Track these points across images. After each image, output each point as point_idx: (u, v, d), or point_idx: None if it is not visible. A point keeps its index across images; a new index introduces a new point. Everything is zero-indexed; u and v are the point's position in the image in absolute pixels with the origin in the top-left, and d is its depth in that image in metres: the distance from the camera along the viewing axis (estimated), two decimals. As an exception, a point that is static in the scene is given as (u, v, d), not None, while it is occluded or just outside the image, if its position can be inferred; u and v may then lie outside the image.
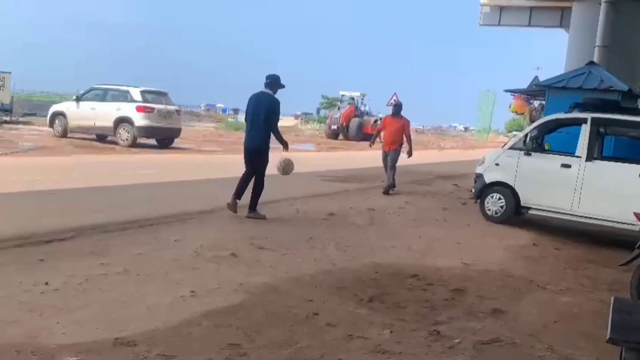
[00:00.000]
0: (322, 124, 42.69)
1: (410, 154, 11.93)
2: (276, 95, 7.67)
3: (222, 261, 5.54)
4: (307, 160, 18.59)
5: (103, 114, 17.57)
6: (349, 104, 34.77)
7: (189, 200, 8.76)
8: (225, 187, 8.27)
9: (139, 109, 17.26)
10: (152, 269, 5.09)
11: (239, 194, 7.69)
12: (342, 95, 37.07)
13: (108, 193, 9.11)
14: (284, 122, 51.43)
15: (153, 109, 17.50)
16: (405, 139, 11.71)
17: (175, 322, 3.93)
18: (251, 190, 7.75)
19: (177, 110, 18.96)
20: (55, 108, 19.34)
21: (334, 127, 33.35)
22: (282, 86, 7.64)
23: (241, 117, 48.71)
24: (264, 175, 7.76)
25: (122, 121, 17.39)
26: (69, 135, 18.47)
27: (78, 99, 18.37)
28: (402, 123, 11.62)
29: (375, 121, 34.92)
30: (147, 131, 17.60)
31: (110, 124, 17.45)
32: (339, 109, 34.92)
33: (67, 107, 18.78)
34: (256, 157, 7.64)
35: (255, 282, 4.96)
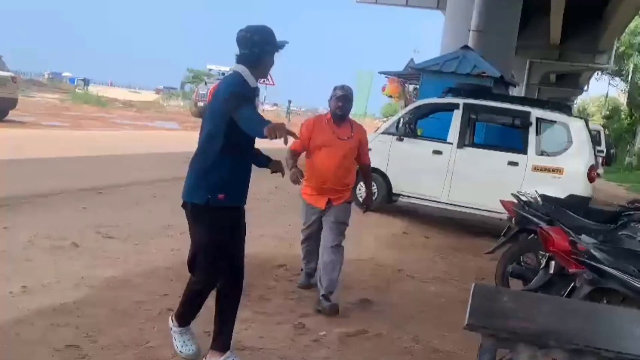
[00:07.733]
0: (187, 100, 41.60)
1: (368, 206, 5.34)
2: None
3: (61, 252, 5.23)
4: (167, 140, 18.05)
5: None
6: (218, 79, 34.13)
7: (22, 181, 8.12)
8: (65, 168, 7.78)
9: (-37, 73, 15.75)
10: (-27, 262, 4.67)
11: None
12: (210, 70, 36.44)
13: None
14: (143, 96, 49.25)
15: (-18, 74, 16.05)
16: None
17: (1, 322, 3.67)
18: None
19: (12, 78, 17.57)
20: None
21: (201, 104, 32.44)
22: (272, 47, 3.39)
23: (91, 89, 46.09)
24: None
25: (-58, 87, 15.79)
26: None
27: None
28: (358, 137, 5.05)
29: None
30: (-26, 100, 16.11)
31: None
32: (206, 84, 34.13)
33: None
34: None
35: (100, 275, 4.74)
